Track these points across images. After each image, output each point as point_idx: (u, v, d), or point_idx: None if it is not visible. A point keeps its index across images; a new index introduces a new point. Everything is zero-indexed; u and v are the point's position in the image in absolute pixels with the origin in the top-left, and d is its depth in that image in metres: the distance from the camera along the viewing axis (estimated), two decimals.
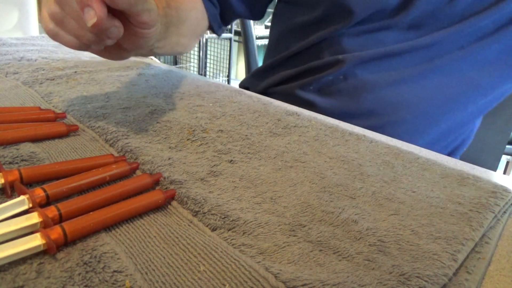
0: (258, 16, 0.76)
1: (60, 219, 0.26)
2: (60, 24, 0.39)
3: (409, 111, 0.62)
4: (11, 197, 0.29)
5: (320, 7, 0.64)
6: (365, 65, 0.62)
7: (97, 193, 0.29)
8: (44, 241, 0.24)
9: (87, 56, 0.76)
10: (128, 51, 0.46)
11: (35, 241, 0.24)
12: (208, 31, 0.77)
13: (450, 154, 0.72)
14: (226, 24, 0.76)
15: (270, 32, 0.79)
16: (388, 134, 0.52)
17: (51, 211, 0.26)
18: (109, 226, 0.27)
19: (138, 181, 0.31)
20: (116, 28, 0.39)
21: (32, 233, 0.24)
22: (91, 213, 0.27)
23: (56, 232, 0.24)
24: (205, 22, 0.70)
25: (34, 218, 0.25)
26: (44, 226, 0.25)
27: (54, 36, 0.40)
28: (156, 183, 0.33)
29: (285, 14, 0.73)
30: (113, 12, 0.38)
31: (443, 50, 0.60)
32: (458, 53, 0.60)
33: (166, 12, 0.52)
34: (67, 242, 0.25)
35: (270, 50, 0.79)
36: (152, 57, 0.81)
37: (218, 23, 0.73)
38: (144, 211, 0.29)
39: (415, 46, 0.60)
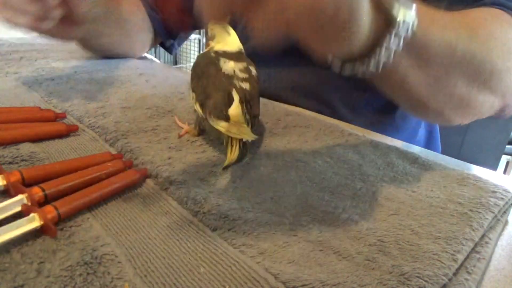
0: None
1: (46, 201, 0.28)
2: (3, 4, 0.48)
3: None
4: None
5: None
6: None
7: (79, 176, 0.31)
8: (40, 220, 0.25)
9: (86, 56, 0.76)
10: (76, 23, 0.55)
11: (32, 221, 0.25)
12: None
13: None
14: (173, 35, 0.79)
15: None
16: None
17: (35, 191, 0.28)
18: (94, 204, 0.29)
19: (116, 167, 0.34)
20: None
21: (22, 214, 0.26)
22: (76, 193, 0.29)
23: (48, 211, 0.26)
24: (147, 29, 0.76)
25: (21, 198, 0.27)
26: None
27: (7, 20, 0.49)
28: (129, 167, 0.35)
29: None
30: None
31: None
32: None
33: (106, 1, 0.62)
34: (60, 220, 0.27)
35: None
36: (152, 57, 0.81)
37: (163, 32, 0.77)
38: (122, 188, 0.32)
39: None
